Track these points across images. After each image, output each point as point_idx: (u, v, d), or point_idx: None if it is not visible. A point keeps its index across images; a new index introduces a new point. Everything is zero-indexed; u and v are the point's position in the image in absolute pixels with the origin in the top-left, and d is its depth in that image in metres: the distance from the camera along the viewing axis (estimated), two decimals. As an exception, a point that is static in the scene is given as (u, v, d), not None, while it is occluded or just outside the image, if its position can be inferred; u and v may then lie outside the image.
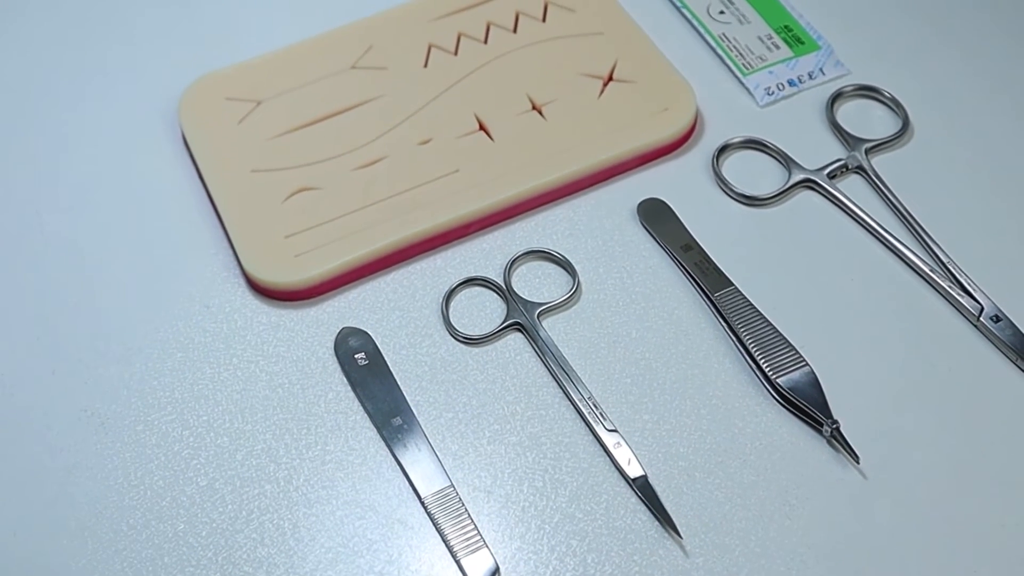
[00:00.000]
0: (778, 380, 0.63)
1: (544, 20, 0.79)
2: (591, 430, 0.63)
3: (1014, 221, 0.70)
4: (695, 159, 0.74)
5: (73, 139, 0.77)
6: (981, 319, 0.65)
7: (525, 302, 0.68)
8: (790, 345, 0.64)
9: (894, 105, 0.75)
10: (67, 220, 0.73)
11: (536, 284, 0.69)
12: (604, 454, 0.63)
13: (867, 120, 0.75)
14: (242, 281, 0.70)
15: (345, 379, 0.66)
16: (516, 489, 0.62)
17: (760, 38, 0.78)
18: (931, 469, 0.62)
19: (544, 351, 0.66)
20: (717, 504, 0.61)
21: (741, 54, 0.78)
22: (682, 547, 0.60)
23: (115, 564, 0.60)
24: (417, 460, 0.62)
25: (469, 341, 0.67)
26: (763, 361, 0.64)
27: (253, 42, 0.80)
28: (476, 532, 0.60)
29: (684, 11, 0.81)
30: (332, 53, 0.78)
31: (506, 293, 0.68)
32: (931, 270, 0.67)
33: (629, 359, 0.66)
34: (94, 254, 0.71)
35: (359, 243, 0.69)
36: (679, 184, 0.73)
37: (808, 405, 0.62)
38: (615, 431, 0.63)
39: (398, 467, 0.63)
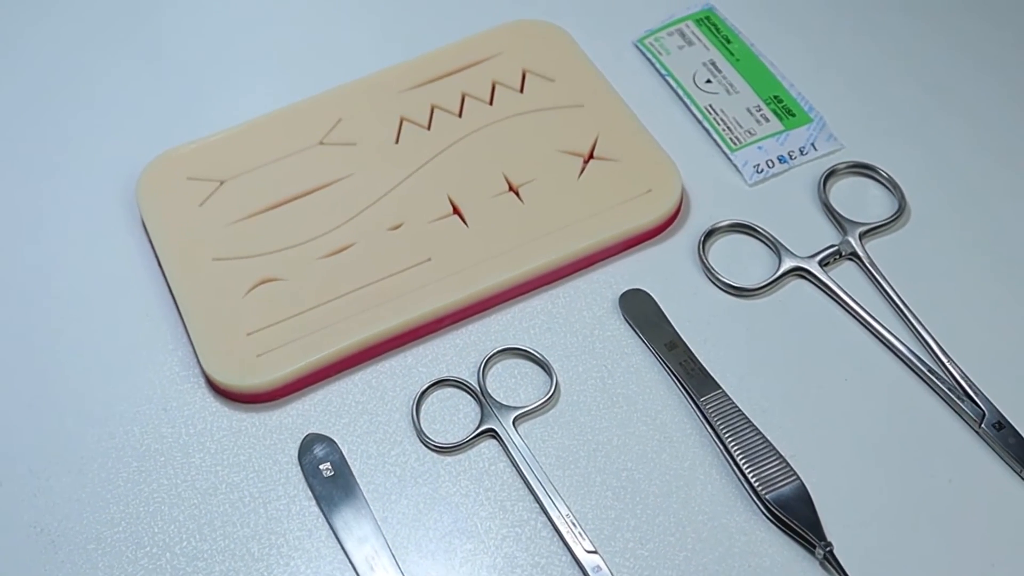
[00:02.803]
0: (768, 496, 0.59)
1: (522, 91, 0.75)
2: (569, 551, 0.59)
3: (1019, 315, 0.66)
4: (680, 244, 0.70)
5: (24, 220, 0.73)
6: (983, 426, 0.62)
7: (500, 405, 0.64)
8: (780, 456, 0.61)
9: (890, 184, 0.71)
10: (14, 312, 0.69)
11: (512, 384, 0.65)
12: (583, 577, 0.59)
13: (862, 201, 0.71)
14: (202, 380, 0.66)
15: (310, 491, 0.62)
16: (489, 617, 0.58)
17: (749, 110, 0.74)
18: (930, 593, 0.58)
19: (520, 461, 0.62)
20: (703, 634, 0.57)
21: (729, 128, 0.73)
22: None
23: None
24: (385, 583, 0.59)
25: (440, 449, 0.63)
26: (752, 475, 0.60)
27: (217, 115, 0.76)
28: (447, 665, 0.57)
29: (669, 79, 0.76)
30: (300, 127, 0.74)
31: (480, 395, 0.64)
32: (930, 370, 0.64)
33: (610, 470, 0.62)
34: (44, 352, 0.67)
35: (325, 342, 0.65)
36: (663, 272, 0.69)
37: (799, 525, 0.59)
38: (595, 552, 0.59)
39: (365, 591, 0.59)
